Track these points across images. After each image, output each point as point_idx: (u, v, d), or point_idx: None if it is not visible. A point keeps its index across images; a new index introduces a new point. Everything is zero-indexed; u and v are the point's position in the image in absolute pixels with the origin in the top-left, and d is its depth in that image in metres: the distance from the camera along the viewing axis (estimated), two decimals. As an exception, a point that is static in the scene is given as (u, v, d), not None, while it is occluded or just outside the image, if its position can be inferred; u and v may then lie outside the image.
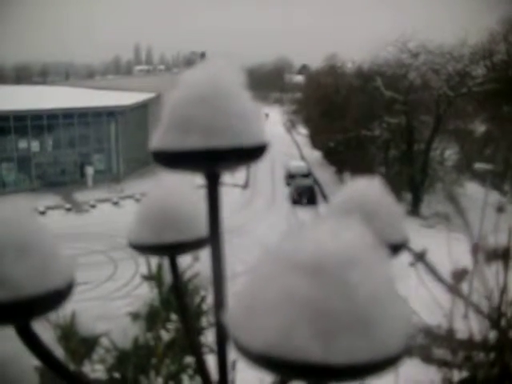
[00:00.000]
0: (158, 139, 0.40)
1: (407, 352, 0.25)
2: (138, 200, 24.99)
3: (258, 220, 21.89)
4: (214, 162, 0.39)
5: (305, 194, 25.91)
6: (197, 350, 0.51)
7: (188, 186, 0.53)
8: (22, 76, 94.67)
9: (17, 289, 0.30)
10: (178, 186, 0.52)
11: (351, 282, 0.24)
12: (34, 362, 0.46)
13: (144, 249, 0.51)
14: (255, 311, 0.25)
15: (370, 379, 0.25)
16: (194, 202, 0.52)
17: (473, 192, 24.19)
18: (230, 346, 0.43)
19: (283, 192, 28.07)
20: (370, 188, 0.46)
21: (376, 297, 0.24)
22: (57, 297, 0.32)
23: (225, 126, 0.38)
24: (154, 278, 1.03)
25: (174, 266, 0.53)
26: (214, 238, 0.42)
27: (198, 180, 0.47)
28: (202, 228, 0.50)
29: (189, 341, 0.62)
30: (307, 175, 30.06)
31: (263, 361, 0.24)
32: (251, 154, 0.39)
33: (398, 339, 0.24)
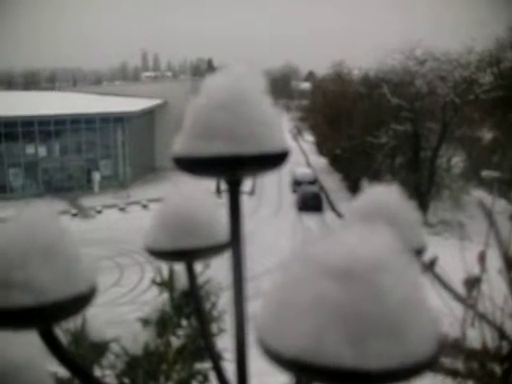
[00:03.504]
0: (181, 145, 0.40)
1: (438, 357, 0.25)
2: (144, 206, 25.07)
3: (265, 227, 21.85)
4: (236, 168, 0.39)
5: (311, 200, 25.88)
6: (214, 356, 0.51)
7: (205, 192, 0.53)
8: (30, 82, 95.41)
9: (42, 293, 0.31)
10: (195, 192, 0.52)
11: (382, 286, 0.24)
12: (50, 367, 0.46)
13: (161, 254, 0.51)
14: (285, 316, 0.25)
15: None
16: (212, 207, 0.52)
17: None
18: (247, 351, 0.43)
19: (289, 199, 28.04)
20: (388, 194, 0.46)
21: (406, 301, 0.24)
22: (80, 301, 0.33)
23: (248, 133, 0.38)
24: (165, 283, 1.03)
25: (190, 272, 0.53)
26: (235, 244, 0.42)
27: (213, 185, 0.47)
28: (220, 234, 0.50)
29: (206, 346, 0.62)
30: (313, 182, 30.05)
31: (294, 366, 0.24)
32: (274, 160, 0.40)
33: (429, 344, 0.24)
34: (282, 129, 0.41)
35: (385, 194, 0.46)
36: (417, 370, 0.24)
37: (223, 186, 0.42)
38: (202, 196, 0.53)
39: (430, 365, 0.24)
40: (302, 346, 0.24)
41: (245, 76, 0.40)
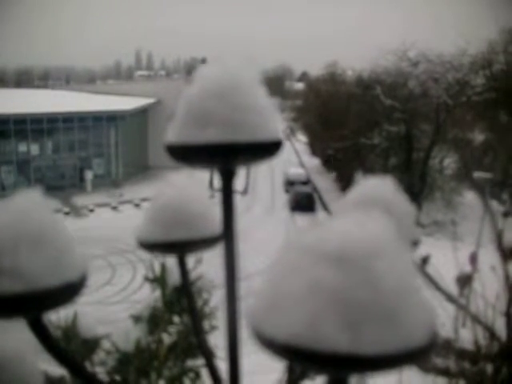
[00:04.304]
0: (174, 133, 0.39)
1: (433, 343, 0.24)
2: (136, 205, 24.99)
3: (257, 226, 21.84)
4: (230, 156, 0.39)
5: (304, 201, 25.89)
6: (206, 353, 0.51)
7: (198, 185, 0.52)
8: (23, 80, 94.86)
9: (32, 280, 0.30)
10: (188, 185, 0.52)
11: (377, 272, 0.24)
12: (42, 365, 0.45)
13: (153, 247, 0.50)
14: (280, 302, 0.25)
15: (396, 371, 0.24)
16: (205, 200, 0.51)
17: (471, 201, 24.21)
18: (240, 349, 0.43)
19: (282, 199, 28.05)
20: (382, 186, 0.46)
21: (402, 287, 0.24)
22: (71, 290, 0.32)
23: (242, 121, 0.38)
24: (157, 279, 1.03)
25: (182, 265, 0.52)
26: (227, 234, 0.42)
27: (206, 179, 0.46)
28: (212, 227, 0.50)
29: (198, 343, 0.62)
30: (306, 182, 30.08)
31: (288, 352, 0.24)
32: (268, 149, 0.39)
33: (425, 330, 0.24)
34: (276, 118, 0.41)
35: (379, 186, 0.46)
36: (412, 355, 0.24)
37: (216, 183, 0.41)
38: (195, 188, 0.52)
39: (425, 351, 0.24)
40: (296, 332, 0.23)
41: (238, 65, 0.40)
